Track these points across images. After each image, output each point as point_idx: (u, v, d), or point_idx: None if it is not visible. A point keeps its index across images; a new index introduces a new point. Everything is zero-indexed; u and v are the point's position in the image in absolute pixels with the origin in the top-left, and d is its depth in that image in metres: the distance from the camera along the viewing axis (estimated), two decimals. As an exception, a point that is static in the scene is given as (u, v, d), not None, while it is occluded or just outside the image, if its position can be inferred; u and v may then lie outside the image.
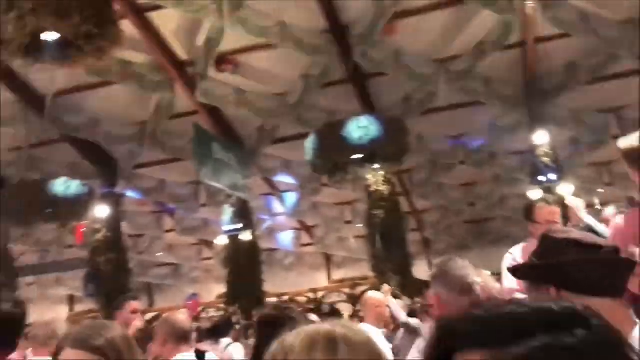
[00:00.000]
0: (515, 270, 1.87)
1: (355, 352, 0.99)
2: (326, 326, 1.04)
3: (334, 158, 10.53)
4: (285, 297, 12.33)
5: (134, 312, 3.86)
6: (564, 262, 1.62)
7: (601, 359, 0.61)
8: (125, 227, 12.85)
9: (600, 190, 12.72)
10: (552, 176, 10.70)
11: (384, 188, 11.41)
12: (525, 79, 10.87)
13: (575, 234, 1.73)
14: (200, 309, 12.32)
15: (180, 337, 2.87)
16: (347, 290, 12.63)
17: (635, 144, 2.57)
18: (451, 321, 0.68)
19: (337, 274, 18.05)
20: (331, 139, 10.34)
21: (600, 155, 12.02)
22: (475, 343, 0.64)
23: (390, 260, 10.84)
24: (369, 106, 11.06)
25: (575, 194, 10.79)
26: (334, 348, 0.98)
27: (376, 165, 10.82)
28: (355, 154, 10.35)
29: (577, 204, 4.17)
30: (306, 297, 12.28)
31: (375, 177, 11.34)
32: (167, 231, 15.94)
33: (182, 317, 3.03)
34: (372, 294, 5.35)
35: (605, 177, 13.28)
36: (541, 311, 0.64)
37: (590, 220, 4.10)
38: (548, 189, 10.44)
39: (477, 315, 0.66)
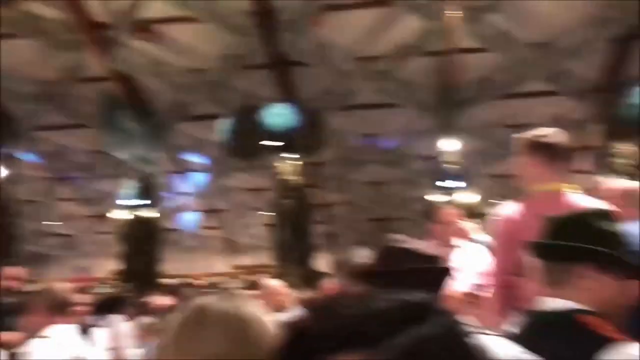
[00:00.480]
0: (356, 274, 2.04)
1: (218, 327, 1.07)
2: (207, 300, 1.12)
3: (248, 142, 10.40)
4: (184, 280, 12.07)
5: (10, 278, 3.59)
6: (392, 269, 1.81)
7: (459, 345, 0.67)
8: (18, 191, 12.11)
9: (498, 201, 13.29)
10: (456, 183, 11.08)
11: (294, 178, 11.38)
12: (441, 87, 11.17)
13: (412, 244, 1.89)
14: (89, 283, 11.82)
15: (60, 308, 2.69)
16: (247, 277, 12.53)
17: (542, 134, 2.76)
18: (315, 323, 0.68)
19: (239, 260, 17.89)
20: (247, 123, 10.20)
21: (504, 168, 12.55)
22: (346, 345, 0.64)
23: (293, 250, 10.84)
24: (288, 95, 10.98)
25: (477, 203, 11.24)
26: (202, 320, 1.07)
27: (289, 155, 10.78)
28: (269, 140, 10.27)
29: (469, 226, 4.34)
30: (205, 280, 12.08)
31: (287, 166, 11.29)
32: (63, 200, 15.18)
33: (64, 287, 2.84)
34: (269, 282, 5.33)
35: (505, 190, 13.89)
36: (401, 304, 0.67)
37: (482, 238, 4.27)
38: (450, 194, 10.81)
39: (343, 316, 0.67)
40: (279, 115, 10.12)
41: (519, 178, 2.96)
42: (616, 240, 1.72)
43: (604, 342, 1.49)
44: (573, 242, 1.70)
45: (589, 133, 10.39)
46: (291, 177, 11.36)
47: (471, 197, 11.15)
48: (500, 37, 10.13)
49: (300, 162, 11.37)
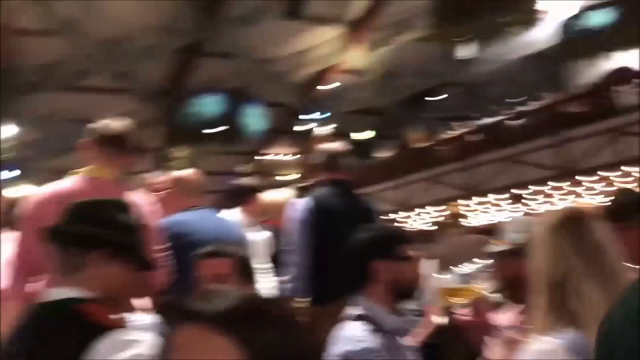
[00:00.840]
0: None
1: None
2: None
3: None
4: None
5: None
6: None
7: None
8: None
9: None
10: (8, 173, 10.19)
11: None
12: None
13: None
14: None
15: None
16: None
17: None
18: None
19: None
20: None
21: (63, 162, 12.02)
22: None
23: None
24: None
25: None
26: None
27: None
28: None
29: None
30: None
31: None
32: None
33: None
34: None
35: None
36: None
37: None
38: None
39: None
40: None
41: (79, 166, 2.85)
42: (131, 230, 1.74)
43: (99, 329, 1.48)
44: (88, 228, 1.66)
45: (151, 134, 10.85)
46: None
47: (24, 189, 10.34)
48: (68, 25, 9.71)
49: None
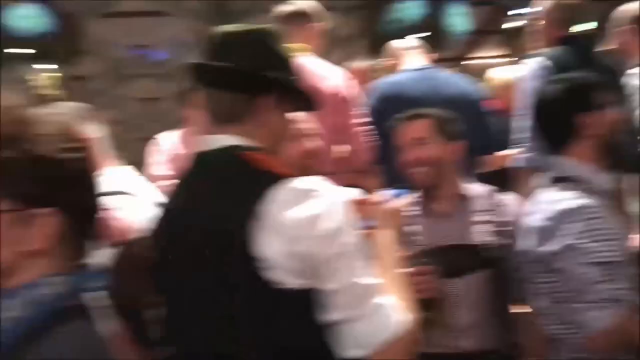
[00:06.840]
0: None
1: None
2: None
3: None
4: None
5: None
6: None
7: None
8: None
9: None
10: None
11: (52, 92, 10.25)
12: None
13: None
14: None
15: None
16: None
17: None
18: None
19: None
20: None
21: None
22: None
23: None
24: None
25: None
26: None
27: (43, 65, 9.65)
28: (19, 47, 9.11)
29: None
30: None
31: (43, 78, 10.11)
32: None
33: None
34: None
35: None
36: None
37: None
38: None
39: None
40: (27, 18, 8.94)
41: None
42: (290, 64, 1.50)
43: (273, 178, 1.34)
44: (253, 65, 1.43)
45: (353, 48, 10.86)
46: (48, 92, 10.22)
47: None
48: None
49: (58, 74, 10.26)
